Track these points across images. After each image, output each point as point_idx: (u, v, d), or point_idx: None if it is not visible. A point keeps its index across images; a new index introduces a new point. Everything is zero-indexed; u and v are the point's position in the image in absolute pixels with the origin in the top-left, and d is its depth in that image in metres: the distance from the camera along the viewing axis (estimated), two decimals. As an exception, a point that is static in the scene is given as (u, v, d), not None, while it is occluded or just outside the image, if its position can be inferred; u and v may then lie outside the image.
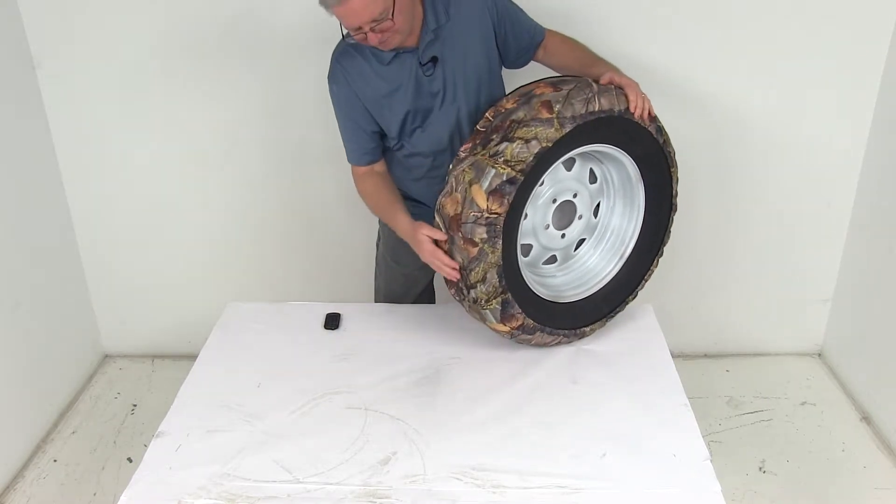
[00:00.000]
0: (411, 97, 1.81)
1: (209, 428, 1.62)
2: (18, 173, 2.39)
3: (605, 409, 1.68)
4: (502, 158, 1.61)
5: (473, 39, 1.82)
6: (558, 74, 1.92)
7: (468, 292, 1.74)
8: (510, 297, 1.73)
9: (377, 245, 2.23)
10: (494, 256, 1.66)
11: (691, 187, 2.57)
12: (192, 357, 1.89)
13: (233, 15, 2.38)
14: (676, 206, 1.93)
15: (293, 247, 2.74)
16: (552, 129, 1.61)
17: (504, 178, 1.60)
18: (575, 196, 1.84)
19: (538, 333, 1.83)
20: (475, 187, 1.63)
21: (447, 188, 1.71)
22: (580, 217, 1.89)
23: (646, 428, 1.61)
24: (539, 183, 1.71)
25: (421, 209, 1.97)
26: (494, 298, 1.72)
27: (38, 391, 2.49)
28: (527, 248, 1.86)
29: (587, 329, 1.92)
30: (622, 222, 1.93)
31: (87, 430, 2.54)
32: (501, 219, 1.63)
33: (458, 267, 1.71)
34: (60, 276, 2.64)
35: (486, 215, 1.62)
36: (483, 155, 1.65)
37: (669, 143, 1.83)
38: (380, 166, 1.95)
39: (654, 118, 1.77)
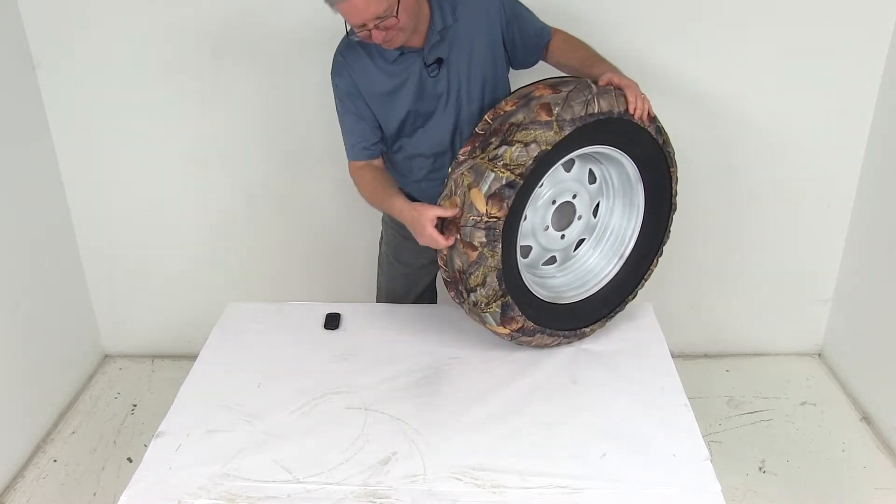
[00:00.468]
0: (414, 97, 1.81)
1: (209, 428, 1.62)
2: (18, 173, 2.39)
3: (605, 409, 1.67)
4: (501, 162, 1.61)
5: (480, 41, 1.81)
6: (558, 74, 1.92)
7: (468, 296, 1.73)
8: (510, 300, 1.73)
9: (380, 244, 2.23)
10: (494, 260, 1.66)
11: (691, 187, 2.57)
12: (192, 357, 1.89)
13: (233, 15, 2.38)
14: (676, 205, 1.93)
15: (293, 247, 2.74)
16: (551, 132, 1.61)
17: (503, 182, 1.60)
18: (574, 197, 1.84)
19: (538, 335, 1.83)
20: (474, 191, 1.62)
21: (446, 191, 1.70)
22: (580, 217, 1.88)
23: (646, 428, 1.61)
24: (538, 185, 1.71)
25: None
26: (494, 302, 1.72)
27: (38, 391, 2.49)
28: (526, 250, 1.86)
29: (587, 329, 1.92)
30: (622, 222, 1.93)
31: (87, 430, 2.54)
32: (501, 223, 1.62)
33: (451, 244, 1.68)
34: (60, 276, 2.64)
35: (486, 219, 1.62)
36: (482, 158, 1.64)
37: (669, 143, 1.82)
38: (378, 162, 1.94)
39: (653, 118, 1.76)
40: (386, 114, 1.84)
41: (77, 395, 2.70)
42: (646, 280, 1.98)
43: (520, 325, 1.78)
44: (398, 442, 1.58)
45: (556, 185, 1.79)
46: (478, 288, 1.70)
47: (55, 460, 2.40)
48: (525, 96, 1.69)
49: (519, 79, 1.93)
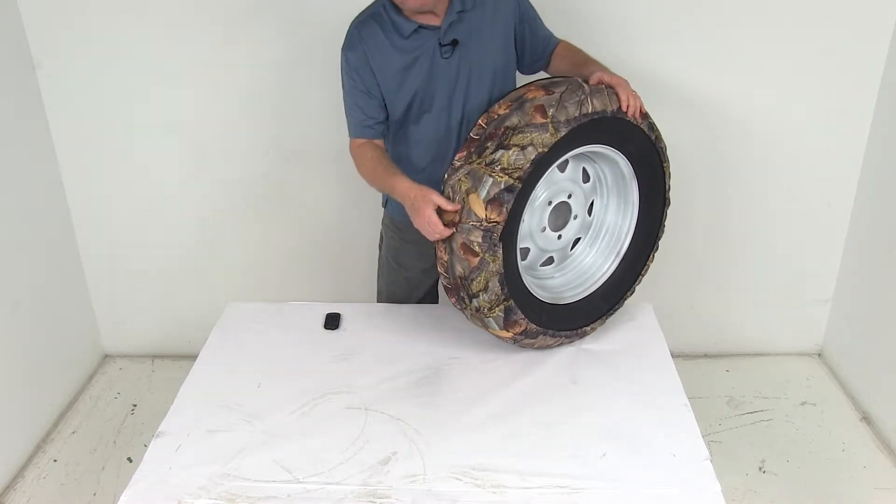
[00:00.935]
0: (425, 76, 1.81)
1: (209, 428, 1.62)
2: (18, 173, 2.39)
3: (605, 409, 1.67)
4: (499, 166, 1.60)
5: (495, 33, 1.83)
6: (548, 75, 1.93)
7: (470, 301, 1.73)
8: (512, 304, 1.73)
9: (379, 247, 2.23)
10: (496, 265, 1.65)
11: (691, 187, 2.57)
12: (192, 357, 1.89)
13: (232, 15, 2.38)
14: (669, 200, 1.94)
15: (293, 247, 2.74)
16: (547, 134, 1.61)
17: (502, 187, 1.60)
18: (570, 197, 1.85)
19: (541, 337, 1.83)
20: (473, 196, 1.62)
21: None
22: (575, 217, 1.89)
23: (646, 428, 1.61)
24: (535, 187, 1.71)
25: None
26: (497, 306, 1.72)
27: (38, 391, 2.49)
28: (524, 252, 1.86)
29: (588, 328, 1.92)
30: (617, 219, 1.94)
31: (87, 430, 2.54)
32: (500, 227, 1.62)
33: (450, 234, 1.66)
34: (60, 276, 2.64)
35: (485, 224, 1.62)
36: (479, 164, 1.64)
37: (661, 139, 1.84)
38: (380, 142, 1.91)
39: (645, 115, 1.78)
40: (395, 92, 1.83)
41: (77, 395, 2.70)
42: (643, 276, 1.98)
43: (522, 328, 1.78)
44: (398, 442, 1.58)
45: (552, 185, 1.79)
46: (480, 293, 1.69)
47: (55, 460, 2.41)
48: (518, 99, 1.69)
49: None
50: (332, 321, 2.00)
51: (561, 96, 1.64)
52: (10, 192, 2.34)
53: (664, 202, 1.93)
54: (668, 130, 1.86)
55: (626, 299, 1.98)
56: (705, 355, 2.89)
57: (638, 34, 2.37)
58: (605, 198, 1.94)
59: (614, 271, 1.94)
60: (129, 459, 2.39)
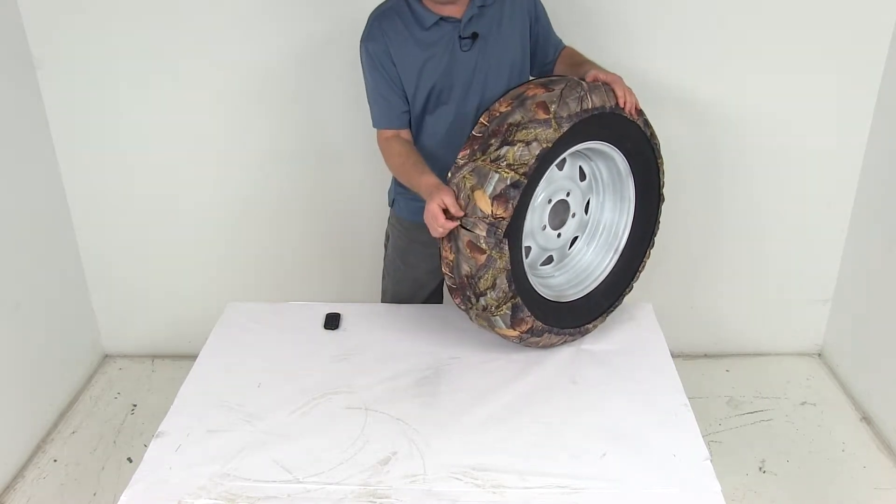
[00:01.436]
0: (444, 68, 1.82)
1: (209, 428, 1.62)
2: (18, 173, 2.39)
3: (605, 409, 1.67)
4: (505, 162, 1.61)
5: (514, 31, 1.86)
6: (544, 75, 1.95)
7: (477, 300, 1.73)
8: (520, 301, 1.73)
9: (385, 246, 2.22)
10: (503, 261, 1.65)
11: (691, 187, 2.58)
12: (192, 357, 1.89)
13: (232, 14, 2.38)
14: (664, 196, 1.95)
15: (294, 247, 2.74)
16: (551, 130, 1.61)
17: (508, 183, 1.60)
18: (568, 195, 1.85)
19: (546, 335, 1.83)
20: (478, 193, 1.62)
21: None
22: (573, 215, 1.89)
23: (646, 428, 1.61)
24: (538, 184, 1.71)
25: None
26: (504, 304, 1.71)
27: (38, 391, 2.49)
28: (526, 251, 1.86)
29: (591, 325, 1.93)
30: (613, 217, 1.95)
31: (87, 430, 2.54)
32: (506, 223, 1.62)
33: (452, 227, 1.66)
34: (60, 277, 2.65)
35: (492, 220, 1.62)
36: (483, 160, 1.64)
37: (655, 136, 1.86)
38: (406, 134, 1.92)
39: (640, 112, 1.80)
40: (413, 84, 1.84)
41: (77, 395, 2.70)
42: (640, 271, 1.99)
43: (529, 326, 1.78)
44: (398, 442, 1.58)
45: (551, 183, 1.80)
46: (488, 291, 1.69)
47: (55, 460, 2.41)
48: (519, 96, 1.69)
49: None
50: (332, 321, 2.00)
51: (562, 92, 1.65)
52: (10, 192, 2.34)
53: (659, 198, 1.95)
54: (668, 130, 1.87)
55: (625, 295, 1.99)
56: (705, 355, 2.89)
57: (638, 34, 2.37)
58: (601, 196, 1.95)
59: (613, 268, 1.95)
60: (129, 459, 2.39)
